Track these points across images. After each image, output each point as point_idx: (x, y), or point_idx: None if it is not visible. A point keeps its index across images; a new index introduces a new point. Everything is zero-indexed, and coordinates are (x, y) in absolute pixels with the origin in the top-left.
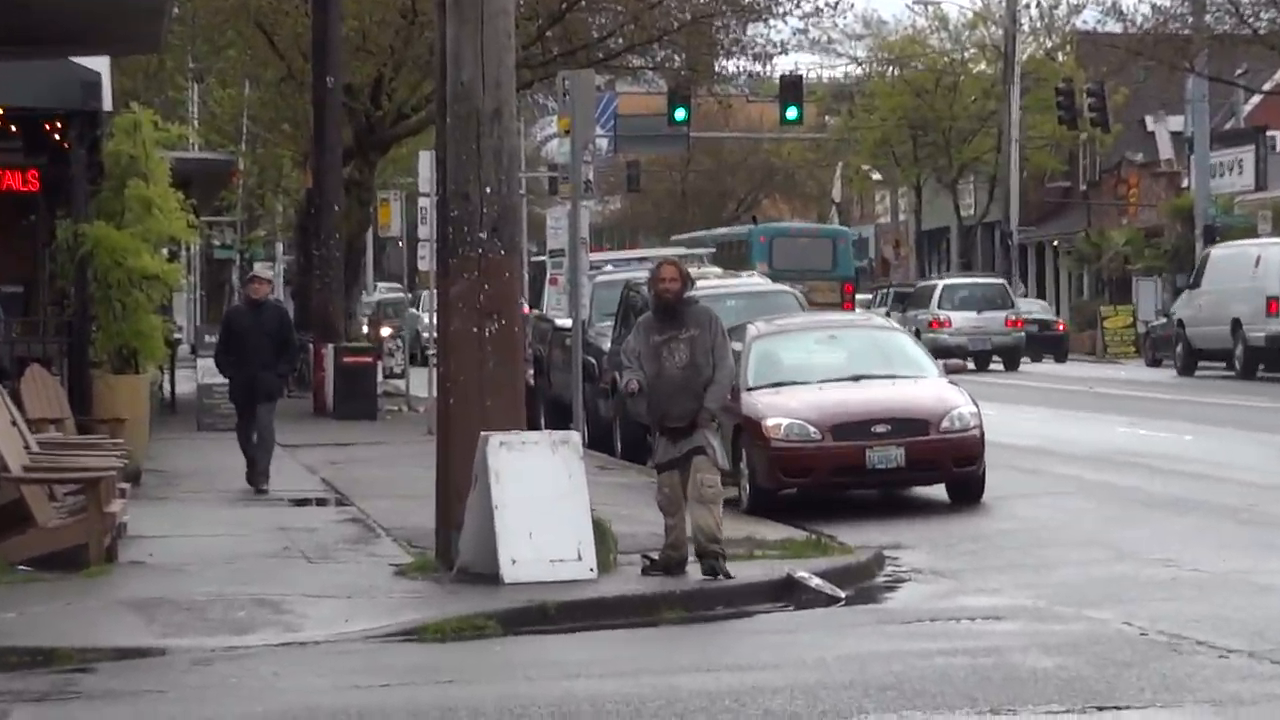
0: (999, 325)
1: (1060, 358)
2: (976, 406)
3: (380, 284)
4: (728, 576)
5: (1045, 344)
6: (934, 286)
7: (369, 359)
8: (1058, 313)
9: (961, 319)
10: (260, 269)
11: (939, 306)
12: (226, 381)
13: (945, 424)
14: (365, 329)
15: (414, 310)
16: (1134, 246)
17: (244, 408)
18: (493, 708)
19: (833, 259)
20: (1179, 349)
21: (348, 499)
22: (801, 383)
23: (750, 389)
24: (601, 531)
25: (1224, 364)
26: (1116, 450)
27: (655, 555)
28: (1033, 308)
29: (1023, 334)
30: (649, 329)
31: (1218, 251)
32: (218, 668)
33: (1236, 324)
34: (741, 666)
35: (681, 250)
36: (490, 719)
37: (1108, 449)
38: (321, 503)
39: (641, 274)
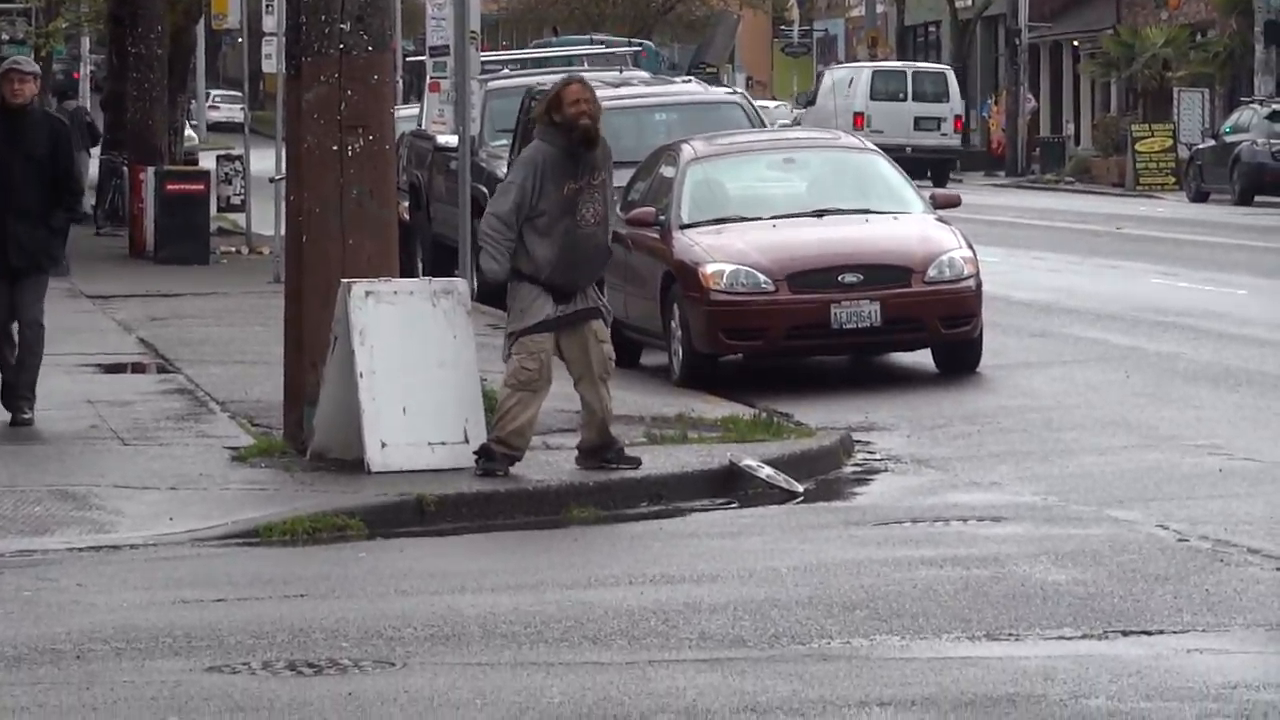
0: None
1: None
2: (973, 251)
3: (214, 91)
4: (636, 464)
5: None
6: None
7: (199, 186)
8: (1076, 133)
9: None
10: (23, 59)
11: None
12: None
13: (932, 272)
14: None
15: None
16: (1175, 49)
17: None
18: (355, 628)
19: None
20: None
21: (172, 365)
22: (751, 219)
23: (685, 226)
24: (494, 407)
25: None
26: (1149, 307)
27: (496, 446)
28: None
29: None
30: (559, 172)
31: (831, 73)
32: (7, 578)
33: None
34: (671, 578)
35: (594, 49)
36: (353, 642)
37: (1138, 306)
38: (139, 369)
39: (547, 79)
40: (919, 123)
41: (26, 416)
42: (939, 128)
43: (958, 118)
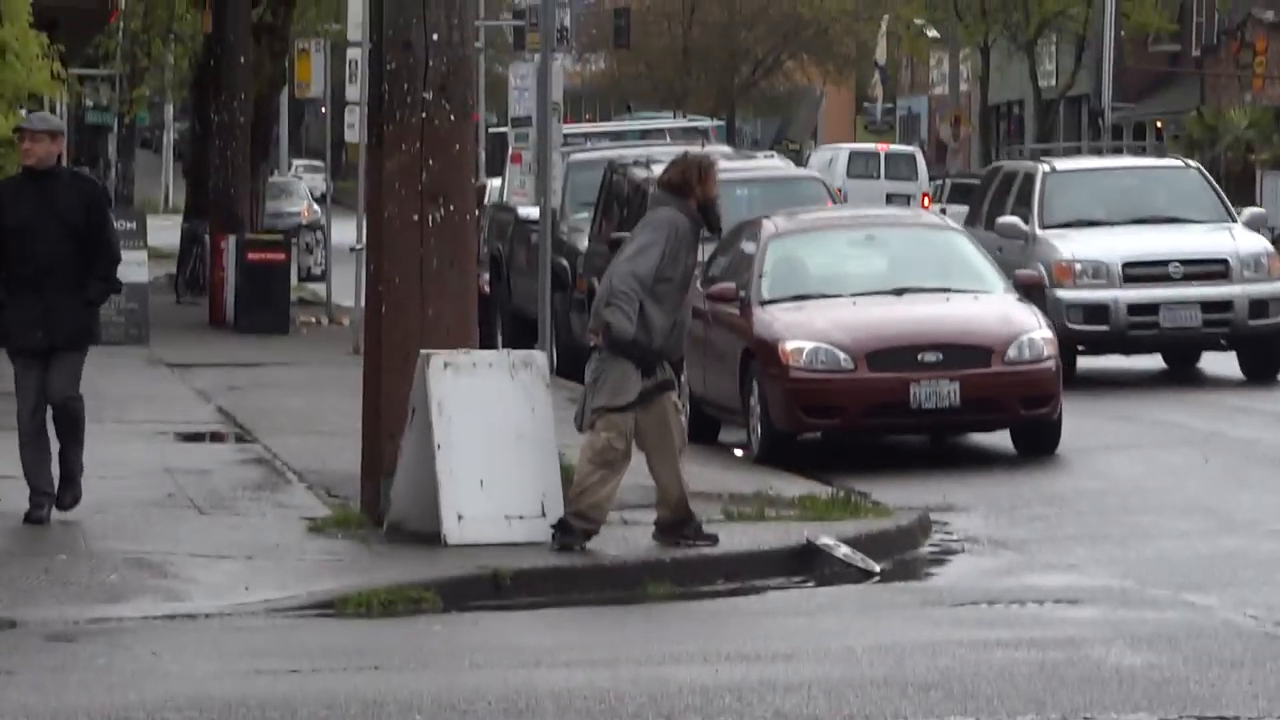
0: None
1: None
2: (1053, 331)
3: (297, 161)
4: (714, 541)
5: None
6: None
7: (280, 256)
8: None
9: None
10: (36, 116)
11: None
12: None
13: (1012, 353)
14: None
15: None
16: (1259, 130)
17: (26, 362)
18: (429, 701)
19: None
20: None
21: (250, 434)
22: (831, 296)
23: (765, 303)
24: (572, 480)
25: None
26: (1230, 394)
27: (575, 520)
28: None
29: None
30: (687, 245)
31: (816, 154)
32: (82, 645)
33: None
34: (747, 656)
35: (675, 123)
36: (426, 715)
37: (1219, 392)
38: (217, 438)
39: (629, 152)
40: (889, 199)
41: (68, 507)
42: (908, 203)
43: (924, 194)
